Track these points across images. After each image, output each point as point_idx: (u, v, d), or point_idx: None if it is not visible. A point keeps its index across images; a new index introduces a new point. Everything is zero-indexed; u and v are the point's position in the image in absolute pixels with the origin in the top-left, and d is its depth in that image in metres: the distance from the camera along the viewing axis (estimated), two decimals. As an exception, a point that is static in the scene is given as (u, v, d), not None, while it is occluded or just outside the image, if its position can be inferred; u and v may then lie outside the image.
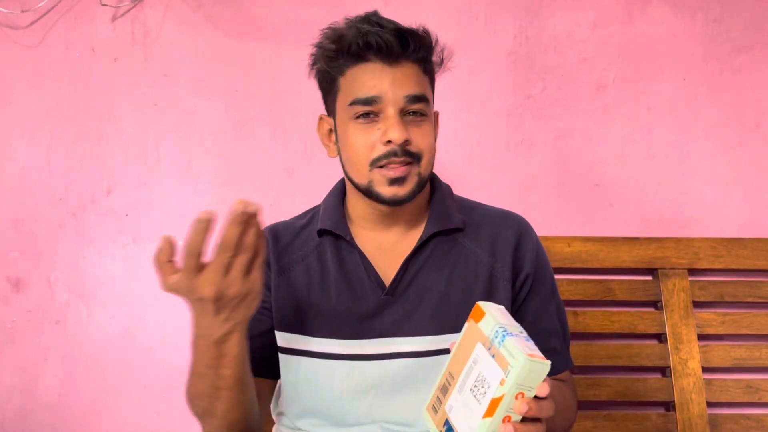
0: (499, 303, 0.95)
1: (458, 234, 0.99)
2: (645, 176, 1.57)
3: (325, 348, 0.94)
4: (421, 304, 0.94)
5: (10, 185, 1.54)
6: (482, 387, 0.69)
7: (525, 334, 0.72)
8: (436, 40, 0.95)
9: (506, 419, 0.67)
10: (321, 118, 1.00)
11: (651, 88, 1.59)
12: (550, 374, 0.93)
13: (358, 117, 0.91)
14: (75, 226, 1.53)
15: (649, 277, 1.50)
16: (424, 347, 0.92)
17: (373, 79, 0.90)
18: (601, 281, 1.48)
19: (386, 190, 0.91)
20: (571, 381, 1.06)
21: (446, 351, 0.92)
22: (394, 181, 0.91)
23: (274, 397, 1.04)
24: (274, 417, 1.04)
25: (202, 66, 1.58)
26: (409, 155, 0.91)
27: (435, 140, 0.96)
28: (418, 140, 0.91)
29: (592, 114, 1.58)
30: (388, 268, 0.97)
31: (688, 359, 1.43)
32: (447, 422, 0.73)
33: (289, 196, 1.54)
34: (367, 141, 0.90)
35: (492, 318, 0.73)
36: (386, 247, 0.98)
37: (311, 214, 1.05)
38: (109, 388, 1.48)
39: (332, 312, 0.94)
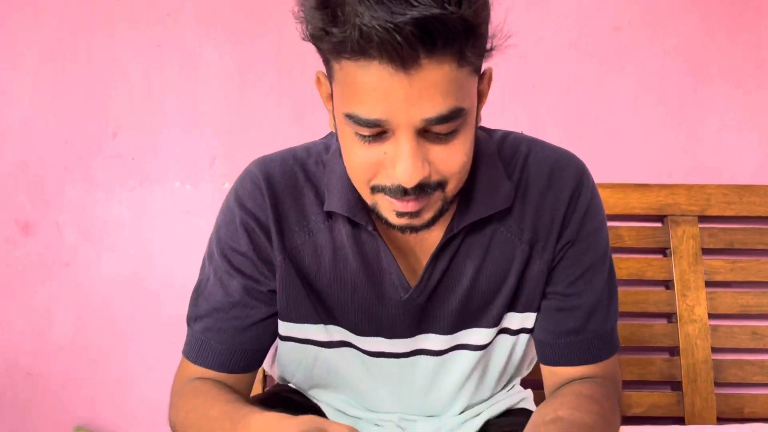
0: (528, 291, 0.83)
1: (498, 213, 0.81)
2: (658, 121, 1.54)
3: (343, 339, 0.85)
4: (446, 302, 0.83)
5: (15, 129, 1.53)
6: None
7: None
8: (484, 17, 0.65)
9: None
10: (318, 79, 0.75)
11: (667, 30, 1.54)
12: (578, 364, 0.83)
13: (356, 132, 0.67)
14: (81, 170, 1.53)
15: (659, 224, 1.49)
16: (446, 345, 0.85)
17: (377, 91, 0.62)
18: (610, 228, 1.47)
19: (395, 220, 0.71)
20: (612, 373, 0.85)
21: (466, 347, 0.85)
22: (404, 215, 0.70)
23: (268, 361, 0.97)
24: (270, 373, 1.00)
25: (207, 6, 1.54)
26: (425, 190, 0.68)
27: (472, 139, 0.71)
28: (443, 164, 0.68)
29: (606, 57, 1.54)
30: (412, 262, 0.82)
31: (694, 306, 1.43)
32: None
33: (297, 142, 1.52)
34: (368, 161, 0.68)
35: None
36: (410, 236, 0.80)
37: (314, 159, 0.84)
38: (119, 332, 1.50)
39: (348, 306, 0.83)
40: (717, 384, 1.42)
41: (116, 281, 1.51)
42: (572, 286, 0.83)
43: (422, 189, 0.68)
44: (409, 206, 0.69)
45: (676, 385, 1.45)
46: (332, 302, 0.83)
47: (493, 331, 0.85)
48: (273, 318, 0.85)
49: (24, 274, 1.51)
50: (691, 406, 1.40)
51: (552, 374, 0.86)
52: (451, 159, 0.68)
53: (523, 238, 0.82)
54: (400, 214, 0.70)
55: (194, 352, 0.84)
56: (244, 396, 0.85)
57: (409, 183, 0.66)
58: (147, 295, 1.51)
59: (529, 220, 0.81)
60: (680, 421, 1.42)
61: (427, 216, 0.71)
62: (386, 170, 0.67)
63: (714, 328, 1.43)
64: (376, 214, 0.74)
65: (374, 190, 0.70)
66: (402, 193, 0.68)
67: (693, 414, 1.40)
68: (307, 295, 0.82)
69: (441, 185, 0.69)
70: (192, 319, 0.85)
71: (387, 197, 0.69)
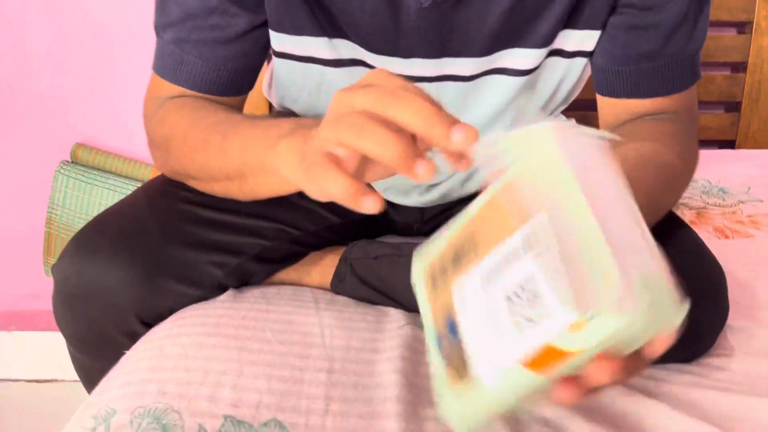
0: (593, 1, 0.64)
1: None
2: None
3: (354, 56, 0.68)
4: (483, 14, 0.64)
5: None
6: (530, 305, 0.35)
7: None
8: None
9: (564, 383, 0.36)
10: None
11: None
12: (650, 96, 0.67)
13: None
14: None
15: None
16: (481, 68, 0.68)
17: None
18: None
19: None
20: (689, 107, 0.70)
21: (505, 71, 0.67)
22: None
23: (265, 84, 0.84)
24: (268, 98, 0.86)
25: None
26: None
27: None
28: None
29: None
30: None
31: (777, 13, 1.21)
32: (451, 321, 0.39)
33: None
34: None
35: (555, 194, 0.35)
36: None
37: None
38: (107, 42, 1.33)
39: (357, 15, 0.65)
40: (780, 105, 1.27)
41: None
42: None
43: None
44: None
45: (732, 106, 1.30)
46: (336, 9, 0.65)
47: (542, 52, 0.67)
48: (262, 28, 0.68)
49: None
50: (746, 129, 1.28)
51: (614, 108, 0.70)
52: None
53: None
54: None
55: (169, 68, 0.69)
56: None
57: None
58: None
59: None
60: (731, 144, 1.30)
61: None
62: None
63: (793, 41, 1.23)
64: None
65: None
66: None
67: (746, 137, 1.29)
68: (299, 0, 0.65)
69: None
70: (161, 26, 0.69)
71: None
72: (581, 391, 0.37)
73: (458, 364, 0.39)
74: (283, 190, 0.54)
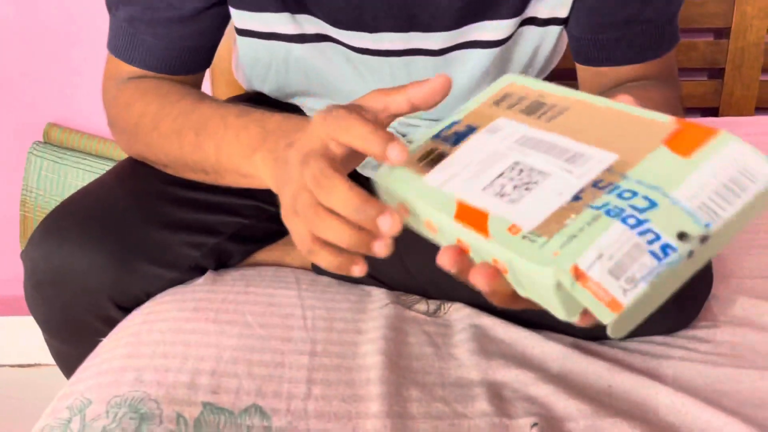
0: None
1: None
2: None
3: (320, 31, 0.66)
4: None
5: None
6: (516, 184, 0.36)
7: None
8: None
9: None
10: None
11: None
12: (629, 62, 0.66)
13: None
14: None
15: None
16: (451, 42, 0.65)
17: None
18: None
19: None
20: (670, 71, 0.68)
21: (476, 44, 0.65)
22: None
23: (234, 66, 0.83)
24: (237, 79, 0.84)
25: None
26: None
27: None
28: None
29: None
30: None
31: (762, -23, 1.19)
32: (468, 130, 0.42)
33: None
34: None
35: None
36: None
37: None
38: (75, 17, 1.29)
39: None
40: (764, 70, 1.26)
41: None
42: None
43: None
44: None
45: (715, 73, 1.29)
46: None
47: (514, 22, 0.65)
48: (218, 7, 0.65)
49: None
50: (729, 96, 1.27)
51: (595, 77, 0.68)
52: None
53: None
54: None
55: (124, 48, 0.67)
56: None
57: None
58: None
59: None
60: (714, 112, 1.29)
61: None
62: None
63: (776, 6, 1.22)
64: None
65: None
66: None
67: (730, 104, 1.28)
68: None
69: None
70: (114, 3, 0.67)
71: None
72: (458, 267, 0.38)
73: (431, 158, 0.41)
74: (263, 187, 0.54)
